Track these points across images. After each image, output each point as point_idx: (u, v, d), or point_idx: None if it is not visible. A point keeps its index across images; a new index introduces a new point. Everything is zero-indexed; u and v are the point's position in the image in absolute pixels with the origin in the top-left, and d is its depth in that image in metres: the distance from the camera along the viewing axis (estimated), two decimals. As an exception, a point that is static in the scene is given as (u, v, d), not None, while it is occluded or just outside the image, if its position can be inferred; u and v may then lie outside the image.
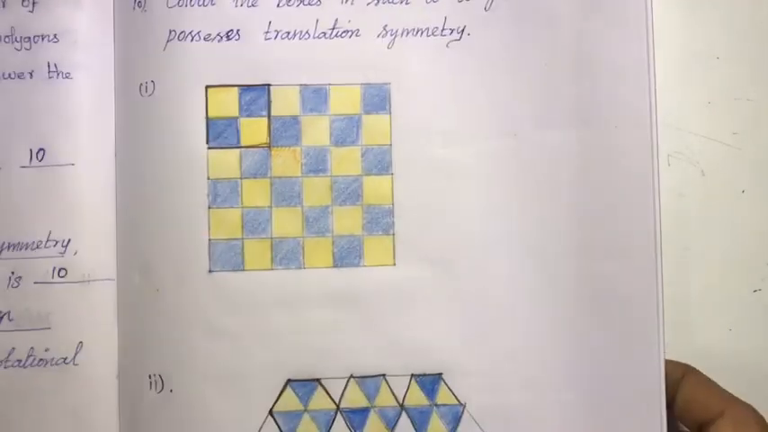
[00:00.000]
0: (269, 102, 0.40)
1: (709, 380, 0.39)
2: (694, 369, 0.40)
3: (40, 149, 0.40)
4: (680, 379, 0.39)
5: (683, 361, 0.40)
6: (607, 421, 0.40)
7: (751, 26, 0.44)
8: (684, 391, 0.39)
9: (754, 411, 0.38)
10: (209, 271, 0.40)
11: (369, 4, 0.40)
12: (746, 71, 0.44)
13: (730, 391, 0.38)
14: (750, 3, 0.44)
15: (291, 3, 0.40)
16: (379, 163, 0.40)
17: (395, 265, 0.40)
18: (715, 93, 0.44)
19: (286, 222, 0.40)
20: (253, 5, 0.40)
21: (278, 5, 0.40)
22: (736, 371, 0.41)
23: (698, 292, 0.43)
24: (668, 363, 0.40)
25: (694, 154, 0.43)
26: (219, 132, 0.40)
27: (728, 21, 0.44)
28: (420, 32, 0.40)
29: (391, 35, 0.40)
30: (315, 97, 0.40)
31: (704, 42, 0.44)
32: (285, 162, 0.40)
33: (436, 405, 0.40)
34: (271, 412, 0.40)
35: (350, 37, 0.40)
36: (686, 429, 0.40)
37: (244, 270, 0.40)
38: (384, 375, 0.40)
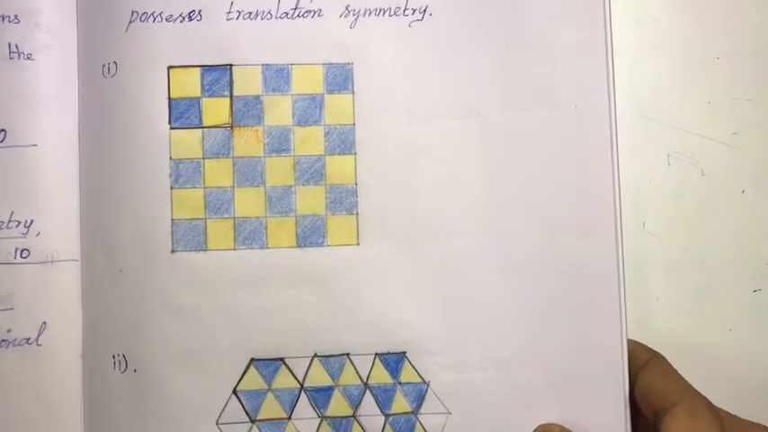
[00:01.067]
0: (231, 82, 0.40)
1: (671, 369, 0.39)
2: (660, 356, 0.40)
3: (2, 130, 0.39)
4: (644, 364, 0.39)
5: (685, 360, 0.40)
6: (570, 398, 0.40)
7: (751, 26, 0.44)
8: (645, 376, 0.39)
9: (708, 403, 0.37)
10: (172, 251, 0.40)
11: (331, -17, 0.40)
12: (746, 71, 0.44)
13: (730, 391, 0.38)
14: (750, 3, 0.44)
15: (252, -18, 0.40)
16: (343, 143, 0.40)
17: (358, 244, 0.40)
18: (715, 93, 0.44)
19: (249, 202, 0.40)
20: (214, -15, 0.40)
21: (239, -15, 0.40)
22: (736, 371, 0.41)
23: (698, 292, 0.43)
24: (638, 346, 0.40)
25: (694, 154, 0.43)
26: (182, 113, 0.40)
27: (728, 21, 0.44)
28: (382, 12, 0.40)
29: (353, 15, 0.40)
30: (277, 77, 0.40)
31: (704, 42, 0.44)
32: (248, 142, 0.40)
33: (400, 383, 0.40)
34: (235, 391, 0.40)
35: (312, 17, 0.40)
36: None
37: (207, 250, 0.40)
38: (348, 354, 0.40)
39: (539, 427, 0.40)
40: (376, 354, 0.40)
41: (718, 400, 0.37)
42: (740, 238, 0.43)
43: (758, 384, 0.43)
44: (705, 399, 0.37)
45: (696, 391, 0.38)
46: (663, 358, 0.40)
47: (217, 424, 0.39)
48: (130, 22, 0.40)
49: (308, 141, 0.40)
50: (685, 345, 0.40)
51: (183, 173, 0.40)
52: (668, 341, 0.40)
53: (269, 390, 0.40)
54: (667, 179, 0.43)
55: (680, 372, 0.39)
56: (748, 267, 0.43)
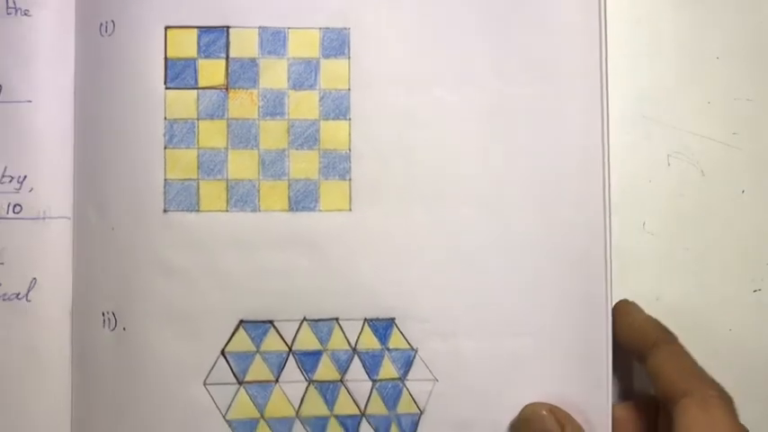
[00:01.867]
0: (227, 43, 0.40)
1: (682, 352, 0.38)
2: (672, 338, 0.39)
3: (-3, 84, 0.40)
4: (654, 343, 0.39)
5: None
6: (556, 367, 0.40)
7: (751, 26, 0.44)
8: (654, 360, 0.38)
9: (721, 390, 0.37)
10: (164, 211, 0.40)
11: (329, -52, 0.40)
12: (746, 71, 0.43)
13: (730, 391, 0.37)
14: (750, 3, 0.44)
15: (250, -57, 0.40)
16: (337, 108, 0.40)
17: (351, 210, 0.40)
18: (715, 93, 0.43)
19: (242, 164, 0.40)
20: (212, -55, 0.40)
21: (237, -55, 0.40)
22: (736, 371, 0.41)
23: (698, 292, 0.43)
24: (648, 320, 0.40)
25: (694, 154, 0.43)
26: (178, 73, 0.40)
27: (728, 21, 0.44)
28: (380, -21, 0.40)
29: (351, -19, 0.40)
30: (273, 40, 0.40)
31: (704, 42, 0.44)
32: (242, 104, 0.40)
33: (388, 349, 0.40)
34: (223, 352, 0.40)
35: (310, -19, 0.40)
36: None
37: (199, 211, 0.40)
38: (337, 319, 0.40)
39: (527, 406, 0.40)
40: (365, 319, 0.40)
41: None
42: (740, 238, 0.43)
43: (758, 384, 0.43)
44: (717, 386, 0.37)
45: (708, 377, 0.37)
46: (674, 340, 0.39)
47: (204, 384, 0.40)
48: (128, -18, 0.40)
49: (303, 105, 0.40)
50: (685, 345, 0.40)
51: (177, 133, 0.40)
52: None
53: (257, 352, 0.40)
54: (667, 179, 0.43)
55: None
56: (748, 267, 0.43)
